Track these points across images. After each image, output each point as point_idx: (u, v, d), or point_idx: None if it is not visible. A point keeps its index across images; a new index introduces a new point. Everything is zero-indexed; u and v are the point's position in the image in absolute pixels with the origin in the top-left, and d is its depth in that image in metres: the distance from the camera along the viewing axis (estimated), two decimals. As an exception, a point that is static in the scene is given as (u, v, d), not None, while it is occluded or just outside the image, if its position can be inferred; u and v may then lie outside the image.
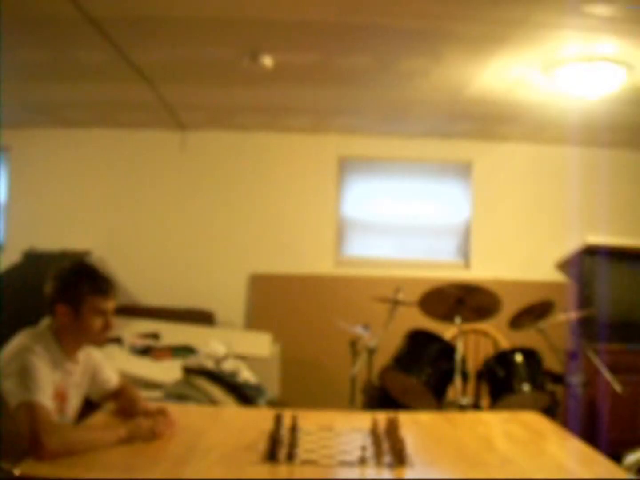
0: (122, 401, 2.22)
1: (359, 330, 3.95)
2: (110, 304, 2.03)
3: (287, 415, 2.01)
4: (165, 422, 2.00)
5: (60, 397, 1.97)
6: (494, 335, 4.12)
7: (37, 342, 1.91)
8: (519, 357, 3.45)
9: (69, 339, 2.01)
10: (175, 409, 2.16)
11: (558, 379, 3.56)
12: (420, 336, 3.61)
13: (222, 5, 2.90)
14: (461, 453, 1.96)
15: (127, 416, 2.06)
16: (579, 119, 4.48)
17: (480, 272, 5.28)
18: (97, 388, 2.21)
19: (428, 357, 3.50)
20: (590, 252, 4.88)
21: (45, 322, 2.02)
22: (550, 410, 3.26)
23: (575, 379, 3.48)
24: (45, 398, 1.80)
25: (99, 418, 2.13)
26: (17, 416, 1.76)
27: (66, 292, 1.98)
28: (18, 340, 1.93)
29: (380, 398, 3.68)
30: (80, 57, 3.57)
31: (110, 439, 1.82)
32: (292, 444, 1.83)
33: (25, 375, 1.81)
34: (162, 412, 2.05)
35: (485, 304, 3.58)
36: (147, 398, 2.46)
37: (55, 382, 1.93)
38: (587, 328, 4.33)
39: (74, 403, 2.08)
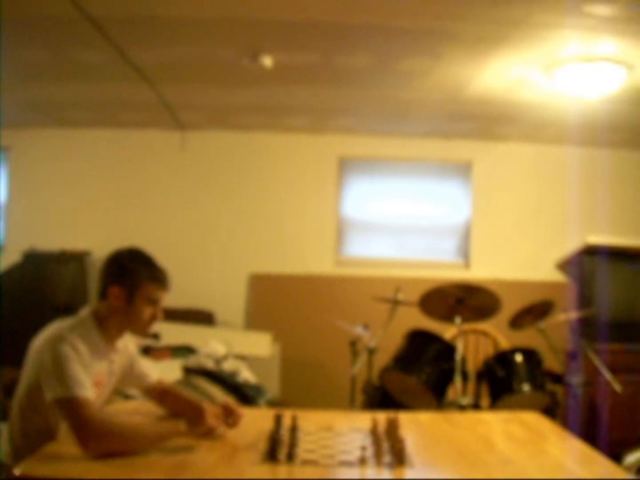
0: (169, 403, 2.16)
1: (359, 330, 3.94)
2: (163, 295, 2.02)
3: (287, 415, 2.01)
4: (234, 418, 2.03)
5: (98, 385, 1.93)
6: (494, 335, 4.12)
7: (74, 331, 1.85)
8: (519, 357, 3.45)
9: (114, 324, 1.96)
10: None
11: (558, 379, 3.56)
12: (420, 336, 3.61)
13: (222, 5, 2.90)
14: (461, 453, 1.96)
15: (181, 416, 2.01)
16: (579, 119, 4.47)
17: (480, 272, 5.28)
18: (135, 380, 2.16)
19: (428, 357, 3.50)
20: (590, 252, 4.88)
21: (86, 309, 1.97)
22: (550, 410, 3.27)
23: (575, 379, 3.48)
24: (87, 391, 1.75)
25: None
26: (54, 411, 1.72)
27: (123, 274, 1.94)
28: (52, 330, 1.87)
29: (380, 398, 3.68)
30: (80, 57, 3.57)
31: (167, 434, 1.82)
32: (292, 444, 1.83)
33: (61, 368, 1.74)
34: (229, 411, 2.06)
35: (485, 304, 3.58)
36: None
37: (95, 370, 1.89)
38: (587, 328, 4.32)
39: (106, 392, 2.04)
